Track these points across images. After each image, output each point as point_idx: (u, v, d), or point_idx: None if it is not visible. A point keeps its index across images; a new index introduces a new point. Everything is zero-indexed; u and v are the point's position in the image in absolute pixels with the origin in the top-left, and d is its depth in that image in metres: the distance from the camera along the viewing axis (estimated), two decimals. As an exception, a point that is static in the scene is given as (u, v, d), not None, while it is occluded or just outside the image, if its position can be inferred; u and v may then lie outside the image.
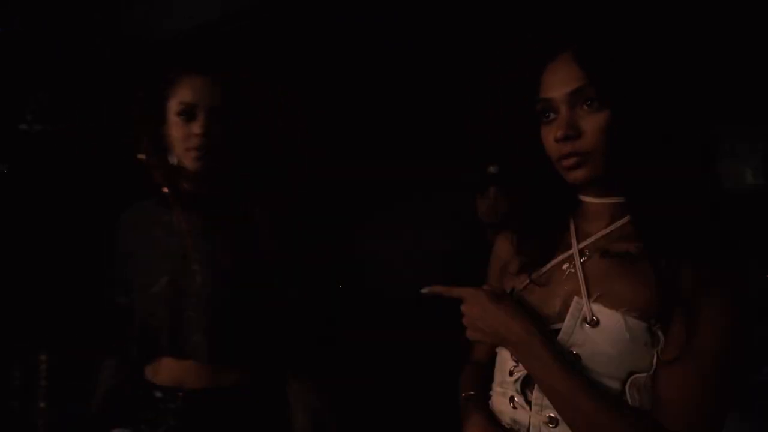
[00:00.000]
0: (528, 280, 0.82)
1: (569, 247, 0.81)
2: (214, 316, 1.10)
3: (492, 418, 0.84)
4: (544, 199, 0.84)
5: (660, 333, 0.70)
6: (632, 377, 0.71)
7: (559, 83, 0.75)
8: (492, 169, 1.53)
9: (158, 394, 1.12)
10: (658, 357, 0.70)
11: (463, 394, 0.90)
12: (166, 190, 1.14)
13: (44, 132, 2.89)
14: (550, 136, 0.76)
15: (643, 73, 0.71)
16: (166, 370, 1.13)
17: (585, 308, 0.74)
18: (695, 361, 0.67)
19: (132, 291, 1.17)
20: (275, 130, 1.34)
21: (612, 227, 0.78)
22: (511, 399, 0.81)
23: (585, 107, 0.73)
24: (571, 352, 0.75)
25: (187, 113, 1.09)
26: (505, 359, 0.84)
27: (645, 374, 0.71)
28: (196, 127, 1.09)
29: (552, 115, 0.77)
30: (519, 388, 0.80)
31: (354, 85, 2.53)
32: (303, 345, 1.19)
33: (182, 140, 1.10)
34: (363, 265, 2.75)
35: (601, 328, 0.72)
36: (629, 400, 0.71)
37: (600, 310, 0.73)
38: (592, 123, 0.73)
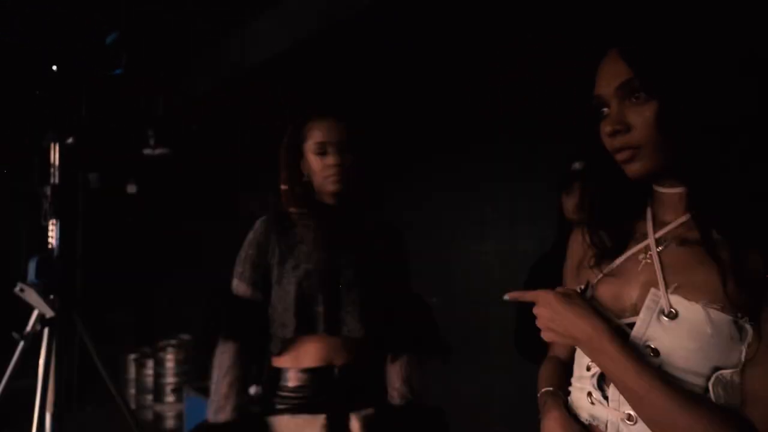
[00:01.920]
0: (602, 273, 0.81)
1: (645, 237, 0.79)
2: (363, 300, 1.36)
3: (570, 414, 0.83)
4: (613, 191, 0.83)
5: (748, 326, 0.67)
6: (717, 374, 0.68)
7: (607, 79, 0.76)
8: (576, 165, 1.50)
9: (306, 375, 1.35)
10: (745, 351, 0.67)
11: (542, 390, 0.90)
12: (301, 208, 1.42)
13: (164, 155, 3.25)
14: (603, 132, 0.76)
15: (687, 61, 0.70)
16: (312, 353, 1.35)
17: (662, 300, 0.72)
18: None
19: (272, 286, 1.40)
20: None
21: (689, 215, 0.76)
22: (589, 394, 0.80)
23: (633, 100, 0.73)
24: (648, 346, 0.73)
25: (321, 150, 1.38)
26: (582, 354, 0.83)
27: (731, 370, 0.68)
28: (329, 159, 1.37)
29: (606, 111, 0.77)
30: (596, 384, 0.79)
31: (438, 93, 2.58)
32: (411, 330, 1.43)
33: (321, 170, 1.38)
34: (451, 265, 2.78)
35: (680, 320, 0.70)
36: (713, 398, 0.68)
37: (679, 302, 0.71)
38: (640, 116, 0.72)
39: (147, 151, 2.89)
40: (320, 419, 1.29)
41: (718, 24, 0.74)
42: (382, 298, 1.39)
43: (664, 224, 0.78)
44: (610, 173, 0.80)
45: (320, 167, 1.38)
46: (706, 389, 0.69)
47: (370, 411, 1.35)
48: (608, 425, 0.77)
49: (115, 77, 1.71)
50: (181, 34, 2.41)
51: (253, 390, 1.67)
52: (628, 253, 0.80)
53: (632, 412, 0.74)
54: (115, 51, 1.68)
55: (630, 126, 0.73)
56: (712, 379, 0.68)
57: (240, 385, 1.36)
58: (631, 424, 0.74)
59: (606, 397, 0.78)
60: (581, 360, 0.84)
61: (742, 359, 0.68)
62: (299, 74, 2.41)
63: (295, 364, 1.36)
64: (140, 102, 2.47)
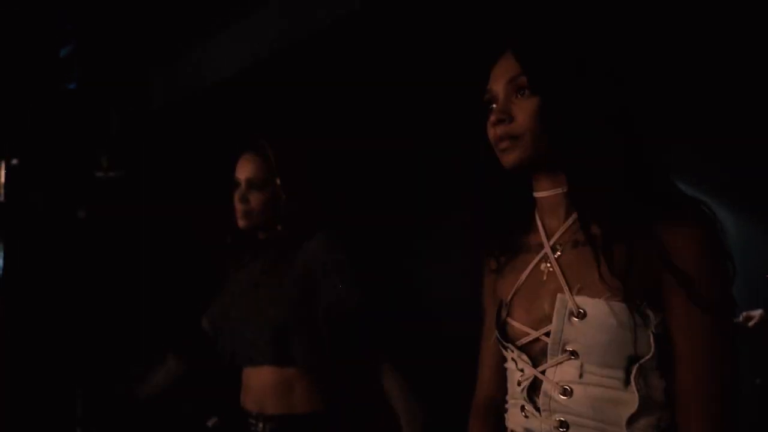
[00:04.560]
0: (514, 290, 0.84)
1: (541, 247, 0.83)
2: (277, 330, 1.30)
3: (508, 430, 0.85)
4: (501, 201, 0.88)
5: (650, 312, 0.72)
6: (637, 365, 0.71)
7: (499, 75, 0.82)
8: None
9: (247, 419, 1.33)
10: (653, 336, 0.71)
11: None
12: (230, 239, 1.45)
13: (118, 178, 3.17)
14: (489, 122, 0.82)
15: (568, 65, 0.78)
16: (249, 393, 1.34)
17: (569, 303, 0.75)
18: (693, 316, 0.70)
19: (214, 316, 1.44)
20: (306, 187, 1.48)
21: (572, 218, 0.80)
22: (522, 408, 0.82)
23: (519, 96, 0.80)
24: (567, 350, 0.75)
25: (236, 186, 1.39)
26: (512, 371, 0.85)
27: (646, 358, 0.71)
28: (236, 196, 1.38)
29: (494, 106, 0.83)
30: (526, 396, 0.80)
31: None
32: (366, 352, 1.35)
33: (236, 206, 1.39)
34: (416, 282, 2.78)
35: (589, 318, 0.73)
36: (637, 392, 0.71)
37: (584, 302, 0.74)
38: (523, 109, 0.79)
39: (99, 174, 2.83)
40: None
41: (596, 37, 0.84)
42: (300, 321, 1.32)
43: (553, 231, 0.83)
44: (499, 181, 0.86)
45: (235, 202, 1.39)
46: (626, 381, 0.72)
47: None
48: None
49: (69, 92, 1.68)
50: (138, 50, 2.39)
51: (210, 423, 1.65)
52: (531, 266, 0.83)
53: (563, 418, 0.76)
54: (69, 64, 1.65)
55: (513, 117, 0.79)
56: (633, 371, 0.71)
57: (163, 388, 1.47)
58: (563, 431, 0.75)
59: (537, 408, 0.79)
60: (512, 376, 0.85)
61: (652, 344, 0.72)
62: (258, 95, 2.42)
63: (242, 403, 1.37)
64: (93, 121, 2.42)
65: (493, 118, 0.80)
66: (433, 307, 2.66)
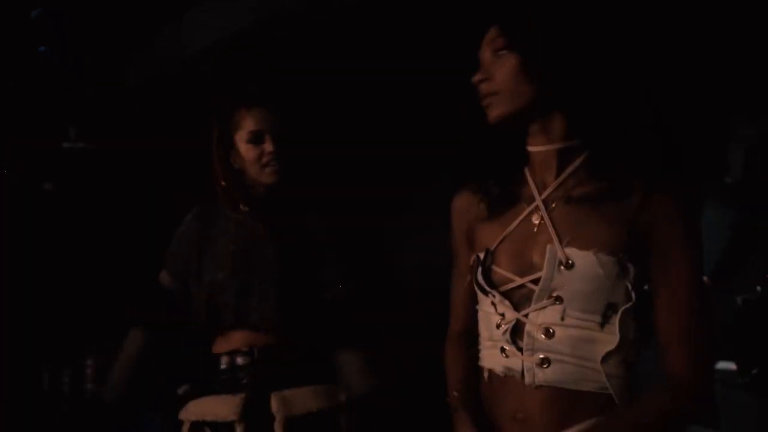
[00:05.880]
0: (501, 239, 0.90)
1: (532, 199, 0.89)
2: (280, 292, 1.31)
3: (484, 370, 0.92)
4: (495, 154, 0.95)
5: (630, 265, 0.80)
6: (621, 311, 0.80)
7: (485, 43, 0.89)
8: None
9: (229, 357, 1.33)
10: (632, 285, 0.80)
11: (452, 392, 0.97)
12: (243, 206, 1.37)
13: (87, 150, 3.08)
14: (474, 81, 0.89)
15: (545, 25, 0.85)
16: (236, 339, 1.34)
17: (559, 253, 0.82)
18: (676, 268, 0.80)
19: (191, 277, 1.38)
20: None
21: (565, 174, 0.88)
22: (502, 350, 0.88)
23: (498, 56, 0.87)
24: (552, 296, 0.83)
25: (256, 138, 1.32)
26: (488, 314, 0.91)
27: (629, 305, 0.80)
28: (267, 146, 1.31)
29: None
30: (509, 338, 0.87)
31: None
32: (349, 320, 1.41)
33: (256, 160, 1.32)
34: (392, 257, 2.82)
35: (577, 269, 0.81)
36: (619, 333, 0.80)
37: (573, 253, 0.82)
38: (499, 66, 0.86)
39: (67, 145, 2.75)
40: (238, 398, 1.27)
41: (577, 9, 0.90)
42: (303, 291, 1.36)
43: (545, 185, 0.90)
44: (492, 137, 0.93)
45: (255, 156, 1.31)
46: (602, 324, 0.81)
47: (294, 391, 1.29)
48: (524, 372, 0.85)
49: (39, 55, 1.63)
50: (112, 20, 2.32)
51: (181, 390, 1.67)
52: (520, 217, 0.90)
53: (545, 355, 0.83)
54: (40, 27, 1.59)
55: (493, 75, 0.86)
56: (619, 315, 0.80)
57: (139, 370, 1.39)
58: (545, 368, 0.83)
59: (520, 348, 0.86)
60: (489, 320, 0.91)
61: (632, 292, 0.81)
62: (238, 65, 2.39)
63: (225, 347, 1.36)
64: (63, 88, 2.34)
65: (476, 78, 0.87)
66: (409, 285, 2.72)
